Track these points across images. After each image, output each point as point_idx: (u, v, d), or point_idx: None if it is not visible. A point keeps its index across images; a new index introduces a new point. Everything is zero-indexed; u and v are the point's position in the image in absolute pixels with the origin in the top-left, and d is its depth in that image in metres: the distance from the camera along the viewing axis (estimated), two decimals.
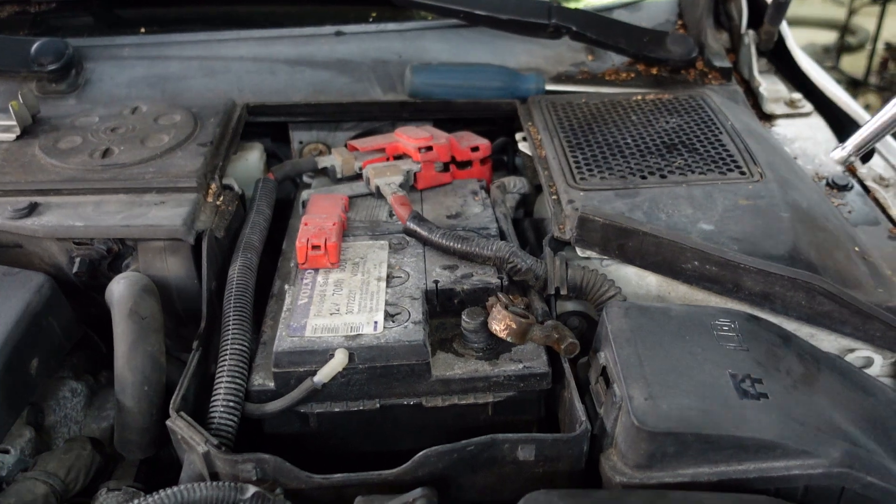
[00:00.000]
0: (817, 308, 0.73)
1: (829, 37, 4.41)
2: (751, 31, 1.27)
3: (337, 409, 0.72)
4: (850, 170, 1.05)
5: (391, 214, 0.93)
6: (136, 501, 0.60)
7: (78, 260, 0.87)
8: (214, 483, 0.61)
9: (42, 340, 0.78)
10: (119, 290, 0.76)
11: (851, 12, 4.25)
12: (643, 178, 0.88)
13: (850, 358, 0.77)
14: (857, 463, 0.59)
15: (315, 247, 0.81)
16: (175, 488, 0.60)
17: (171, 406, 0.68)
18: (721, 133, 0.98)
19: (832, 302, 0.74)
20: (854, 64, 4.23)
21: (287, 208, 1.03)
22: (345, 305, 0.76)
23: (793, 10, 1.24)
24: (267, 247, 0.92)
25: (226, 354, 0.72)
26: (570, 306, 0.84)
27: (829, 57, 4.29)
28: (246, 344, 0.74)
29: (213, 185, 0.93)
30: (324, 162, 1.04)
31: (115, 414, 0.73)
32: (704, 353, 0.66)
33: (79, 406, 0.85)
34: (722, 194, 0.85)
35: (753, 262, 0.74)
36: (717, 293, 0.77)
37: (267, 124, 1.19)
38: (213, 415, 0.68)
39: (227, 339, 0.74)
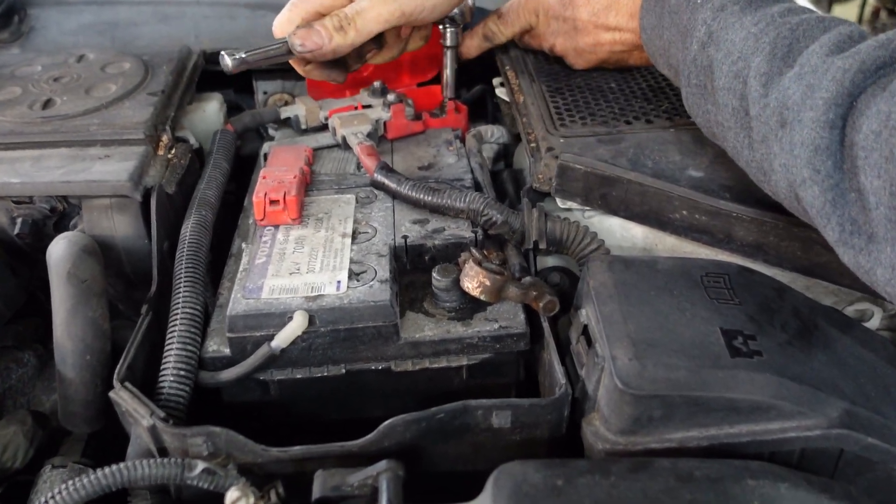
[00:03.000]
0: (814, 258, 0.68)
1: None
2: None
3: (299, 376, 0.67)
4: None
5: (359, 167, 0.87)
6: (74, 480, 0.55)
7: (20, 220, 0.80)
8: (160, 459, 0.56)
9: None
10: (56, 251, 0.70)
11: None
12: (628, 123, 0.82)
13: (848, 311, 0.73)
14: (857, 423, 0.55)
15: (273, 201, 0.75)
16: (115, 466, 0.55)
17: (115, 376, 0.62)
18: None
19: (830, 252, 0.68)
20: (846, 13, 4.16)
21: (254, 164, 0.97)
22: (306, 264, 0.70)
23: None
24: (228, 205, 0.86)
25: (176, 319, 0.66)
26: (550, 261, 0.78)
27: (821, 6, 4.20)
28: (198, 307, 0.68)
29: (165, 137, 0.86)
30: (287, 112, 0.97)
31: (58, 386, 0.68)
32: (693, 309, 0.61)
33: (26, 377, 0.79)
34: None
35: (746, 211, 0.69)
36: (707, 244, 0.72)
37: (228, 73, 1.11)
38: (162, 385, 0.63)
39: (178, 303, 0.68)
